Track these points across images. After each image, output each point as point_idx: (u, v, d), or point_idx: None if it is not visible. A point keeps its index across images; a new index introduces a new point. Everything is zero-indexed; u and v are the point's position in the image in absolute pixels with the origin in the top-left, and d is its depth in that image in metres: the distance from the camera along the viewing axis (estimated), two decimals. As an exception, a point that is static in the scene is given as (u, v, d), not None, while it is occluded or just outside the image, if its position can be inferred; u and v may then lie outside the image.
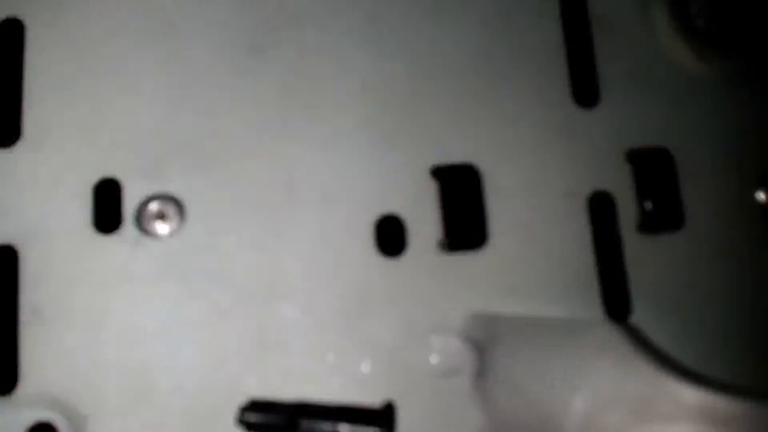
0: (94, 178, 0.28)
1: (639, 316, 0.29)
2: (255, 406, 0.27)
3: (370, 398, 0.28)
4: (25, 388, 0.27)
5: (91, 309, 0.27)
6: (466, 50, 0.31)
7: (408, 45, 0.31)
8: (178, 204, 0.28)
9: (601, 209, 0.31)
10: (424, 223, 0.29)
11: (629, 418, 0.26)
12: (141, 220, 0.28)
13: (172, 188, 0.28)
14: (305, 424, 0.26)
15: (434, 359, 0.28)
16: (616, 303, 0.30)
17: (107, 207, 0.28)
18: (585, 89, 0.31)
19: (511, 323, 0.29)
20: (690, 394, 0.25)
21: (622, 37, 0.32)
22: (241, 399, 0.27)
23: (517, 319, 0.29)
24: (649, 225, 0.31)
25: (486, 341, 0.29)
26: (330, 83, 0.30)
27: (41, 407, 0.27)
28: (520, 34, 0.31)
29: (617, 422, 0.26)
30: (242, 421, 0.26)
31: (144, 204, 0.28)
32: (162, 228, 0.28)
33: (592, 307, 0.30)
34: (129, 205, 0.28)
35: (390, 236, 0.29)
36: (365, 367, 0.28)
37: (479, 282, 0.29)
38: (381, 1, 0.31)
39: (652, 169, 0.31)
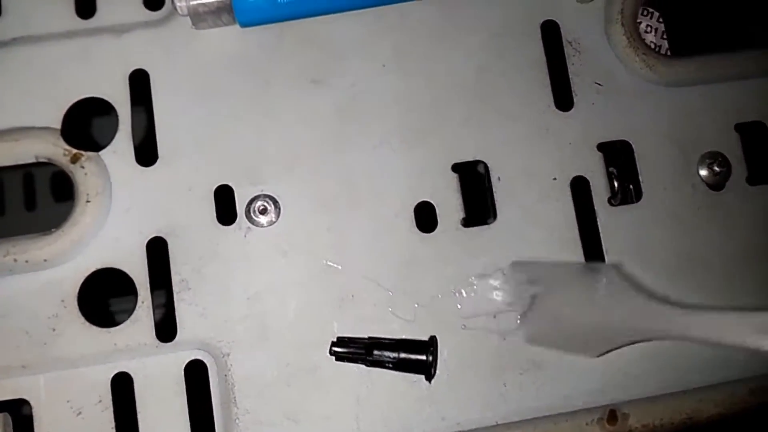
0: (214, 185, 0.33)
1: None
2: (340, 341, 0.31)
3: (419, 334, 0.32)
4: (181, 336, 0.32)
5: (220, 278, 0.32)
6: (470, 70, 0.34)
7: (425, 66, 0.34)
8: (275, 201, 0.33)
9: (579, 189, 0.34)
10: (449, 206, 0.33)
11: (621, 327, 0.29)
12: (249, 214, 0.32)
13: (270, 190, 0.33)
14: (376, 353, 0.31)
15: (460, 307, 0.32)
16: (593, 259, 0.33)
17: (225, 206, 0.33)
18: (562, 97, 0.34)
19: (544, 266, 0.32)
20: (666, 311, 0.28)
21: (588, 55, 0.35)
22: (330, 337, 0.32)
23: (549, 263, 0.33)
24: (615, 199, 0.34)
25: (527, 280, 0.32)
26: (370, 102, 0.33)
27: (194, 350, 0.32)
28: (510, 56, 0.34)
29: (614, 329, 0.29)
30: (333, 353, 0.31)
31: (250, 202, 0.33)
32: (264, 219, 0.32)
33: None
34: (240, 203, 0.33)
35: (425, 217, 0.33)
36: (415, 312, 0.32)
37: (490, 249, 0.33)
38: (402, 36, 0.34)
39: (617, 157, 0.34)
